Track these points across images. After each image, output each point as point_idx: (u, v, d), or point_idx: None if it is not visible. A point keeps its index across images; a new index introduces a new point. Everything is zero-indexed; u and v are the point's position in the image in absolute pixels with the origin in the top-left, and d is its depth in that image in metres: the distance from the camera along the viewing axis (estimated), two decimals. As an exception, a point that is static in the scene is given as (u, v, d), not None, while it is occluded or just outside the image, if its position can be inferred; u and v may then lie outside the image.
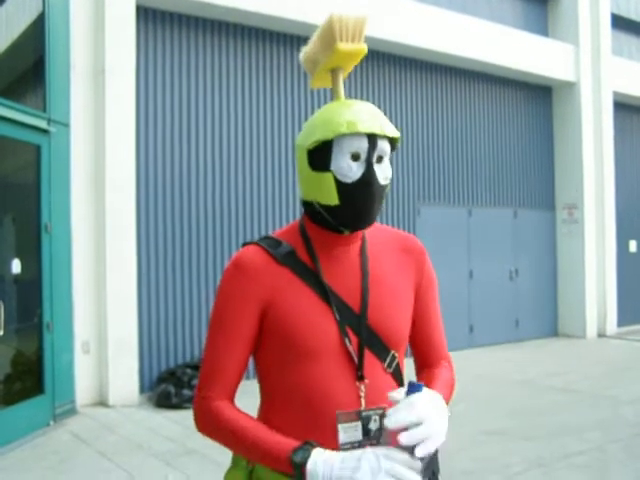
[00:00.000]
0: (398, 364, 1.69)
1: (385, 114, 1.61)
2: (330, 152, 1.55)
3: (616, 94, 12.50)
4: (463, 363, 9.46)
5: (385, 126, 1.56)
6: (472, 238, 10.87)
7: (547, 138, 12.16)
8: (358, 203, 1.56)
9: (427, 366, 1.81)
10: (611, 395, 7.53)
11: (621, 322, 12.52)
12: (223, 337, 1.61)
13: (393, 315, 1.67)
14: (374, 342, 1.63)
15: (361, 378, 1.60)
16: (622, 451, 5.57)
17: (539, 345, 11.17)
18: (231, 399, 1.63)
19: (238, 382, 1.64)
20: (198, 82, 8.27)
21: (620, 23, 13.06)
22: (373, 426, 1.60)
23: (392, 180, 9.79)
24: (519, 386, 8.08)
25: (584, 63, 11.96)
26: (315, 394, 1.57)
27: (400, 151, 9.85)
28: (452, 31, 10.16)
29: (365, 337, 1.61)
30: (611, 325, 12.25)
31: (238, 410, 1.59)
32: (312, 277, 1.61)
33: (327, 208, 1.59)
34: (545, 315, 11.96)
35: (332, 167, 1.55)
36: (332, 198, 1.56)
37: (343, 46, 1.59)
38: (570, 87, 11.96)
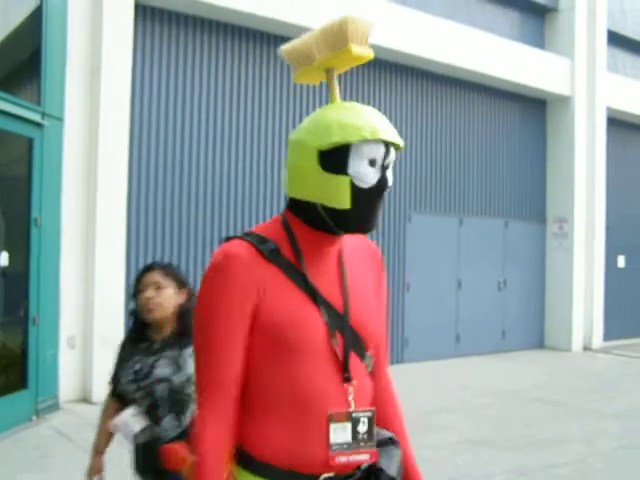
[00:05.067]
0: (373, 365, 1.73)
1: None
2: (347, 156, 1.53)
3: (610, 110, 12.56)
4: (449, 372, 9.54)
5: (397, 135, 1.58)
6: (462, 247, 10.89)
7: (540, 151, 12.21)
8: (370, 208, 1.57)
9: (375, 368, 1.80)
10: (595, 408, 7.55)
11: (607, 336, 12.56)
12: (222, 333, 1.56)
13: (371, 317, 1.70)
14: (356, 343, 1.65)
15: (349, 379, 1.60)
16: (604, 464, 5.58)
17: (525, 357, 11.19)
18: (234, 409, 1.58)
19: (240, 383, 1.58)
20: (194, 80, 8.26)
21: (616, 40, 13.14)
22: (361, 429, 1.61)
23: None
24: (504, 397, 8.08)
25: (579, 77, 12.02)
26: (304, 394, 1.56)
27: (393, 158, 9.84)
28: (448, 41, 10.19)
29: (349, 337, 1.62)
30: (597, 339, 12.29)
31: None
32: (298, 276, 1.60)
33: (333, 210, 1.56)
34: (532, 327, 11.99)
35: (350, 171, 1.53)
36: (343, 202, 1.54)
37: (355, 49, 1.59)
38: (564, 101, 12.02)
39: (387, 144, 1.56)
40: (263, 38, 8.77)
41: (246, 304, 1.55)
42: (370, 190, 1.55)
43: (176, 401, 2.63)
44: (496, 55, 10.83)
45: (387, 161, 1.57)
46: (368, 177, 1.54)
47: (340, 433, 1.58)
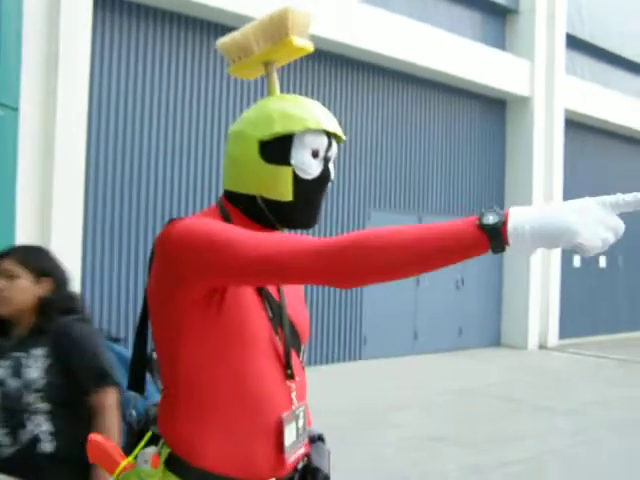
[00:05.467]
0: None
1: (338, 117, 1.60)
2: (289, 146, 1.50)
3: (568, 111, 12.74)
4: (407, 369, 9.58)
5: (339, 127, 1.56)
6: (421, 245, 10.91)
7: (499, 150, 12.34)
8: (313, 201, 1.53)
9: None
10: (549, 405, 7.65)
11: (562, 334, 12.75)
12: (223, 227, 1.40)
13: (301, 310, 1.66)
14: (294, 337, 1.59)
15: (291, 376, 1.55)
16: (557, 461, 5.67)
17: (481, 354, 11.30)
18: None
19: None
20: (154, 72, 8.16)
21: (575, 43, 13.32)
22: (300, 424, 1.57)
23: (344, 183, 9.81)
24: (461, 394, 8.15)
25: (538, 79, 12.17)
26: (254, 395, 1.48)
27: (353, 154, 9.86)
28: (409, 38, 10.20)
29: (288, 332, 1.56)
30: (552, 337, 12.47)
31: None
32: None
33: (274, 203, 1.51)
34: (489, 325, 12.11)
35: (292, 161, 1.50)
36: (285, 193, 1.50)
37: (296, 40, 1.57)
38: (524, 101, 12.16)
39: (329, 136, 1.54)
40: (225, 31, 8.67)
41: None
42: (313, 182, 1.52)
43: (11, 412, 2.26)
44: (457, 54, 10.89)
45: (329, 153, 1.55)
46: (311, 168, 1.51)
47: (289, 434, 1.53)
